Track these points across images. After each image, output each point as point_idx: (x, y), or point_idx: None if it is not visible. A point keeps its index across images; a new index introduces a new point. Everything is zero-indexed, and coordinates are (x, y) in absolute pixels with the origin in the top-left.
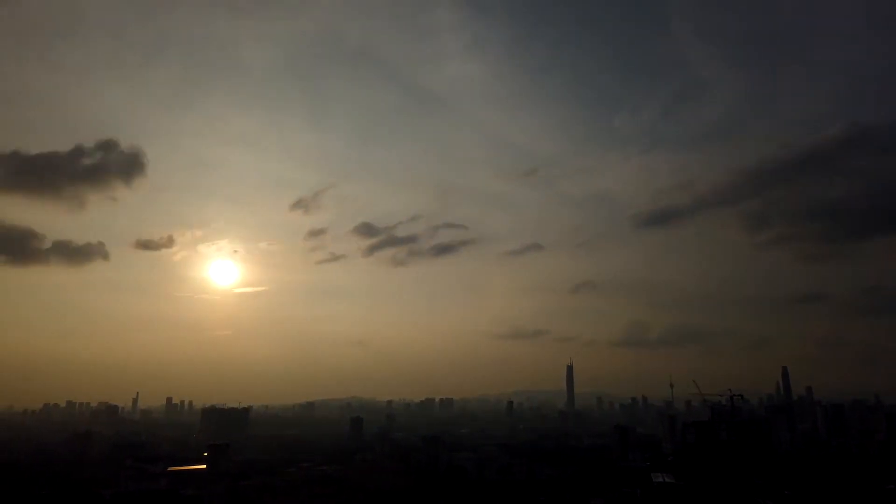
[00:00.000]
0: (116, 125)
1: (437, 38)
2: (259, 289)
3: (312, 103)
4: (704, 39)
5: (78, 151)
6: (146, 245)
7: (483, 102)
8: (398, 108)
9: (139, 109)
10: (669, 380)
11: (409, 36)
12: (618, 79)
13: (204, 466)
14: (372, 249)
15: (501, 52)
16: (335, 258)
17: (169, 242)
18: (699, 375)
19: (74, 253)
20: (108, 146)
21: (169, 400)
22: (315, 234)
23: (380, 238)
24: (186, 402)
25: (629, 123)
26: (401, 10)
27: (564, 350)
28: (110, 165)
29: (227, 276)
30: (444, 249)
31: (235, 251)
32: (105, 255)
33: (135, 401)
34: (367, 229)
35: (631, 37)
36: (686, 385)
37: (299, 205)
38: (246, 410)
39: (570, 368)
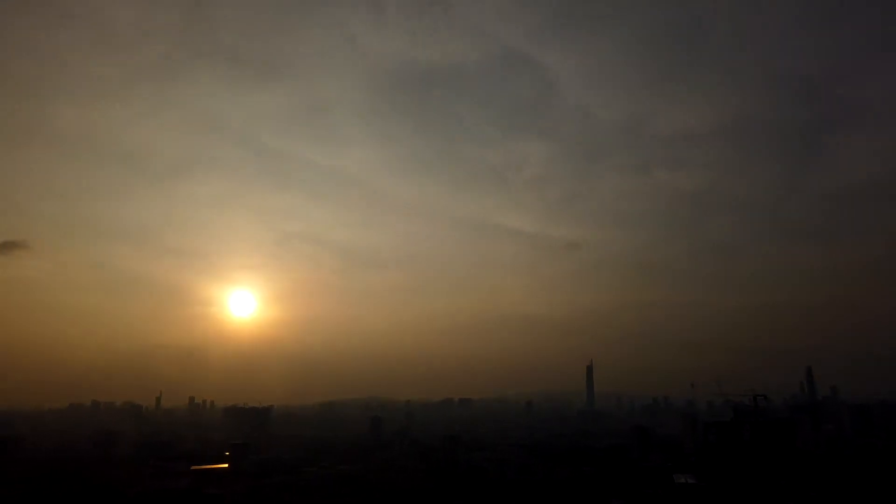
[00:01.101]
0: None
1: None
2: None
3: None
4: None
5: None
6: None
7: None
8: None
9: None
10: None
11: None
12: None
13: (226, 465)
14: None
15: None
16: None
17: None
18: (721, 374)
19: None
20: None
21: (191, 399)
22: None
23: None
24: (208, 402)
25: None
26: None
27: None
28: None
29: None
30: None
31: None
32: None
33: (158, 400)
34: None
35: None
36: (708, 385)
37: None
38: (267, 410)
39: (589, 368)
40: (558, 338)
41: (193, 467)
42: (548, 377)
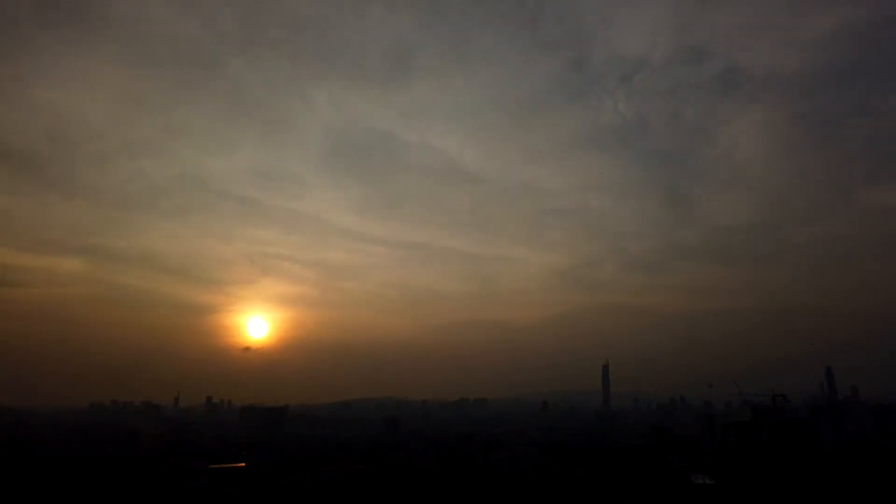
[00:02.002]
0: None
1: None
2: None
3: None
4: None
5: None
6: None
7: None
8: None
9: None
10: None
11: None
12: None
13: (243, 464)
14: None
15: None
16: None
17: None
18: (739, 375)
19: None
20: None
21: (209, 399)
22: None
23: None
24: (226, 401)
25: None
26: None
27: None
28: None
29: None
30: None
31: None
32: None
33: (176, 399)
34: None
35: None
36: (725, 385)
37: None
38: (283, 409)
39: (605, 368)
40: (573, 338)
41: (211, 466)
42: (563, 377)
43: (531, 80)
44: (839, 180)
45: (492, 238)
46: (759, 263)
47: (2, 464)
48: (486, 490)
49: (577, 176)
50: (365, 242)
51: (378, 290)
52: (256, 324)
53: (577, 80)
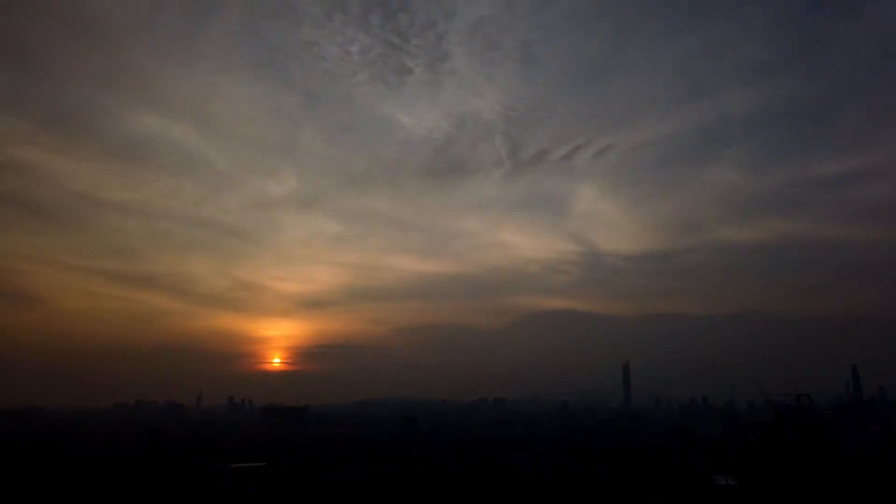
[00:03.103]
0: None
1: None
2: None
3: None
4: None
5: None
6: None
7: None
8: None
9: None
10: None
11: None
12: None
13: (264, 464)
14: None
15: None
16: None
17: None
18: (762, 374)
19: None
20: None
21: (230, 399)
22: None
23: None
24: (247, 401)
25: None
26: None
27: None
28: None
29: None
30: None
31: None
32: None
33: (198, 399)
34: None
35: None
36: (748, 385)
37: None
38: (303, 409)
39: (625, 367)
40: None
41: (233, 465)
42: (583, 377)
43: None
44: None
45: None
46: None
47: (33, 461)
48: (505, 490)
49: None
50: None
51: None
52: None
53: None
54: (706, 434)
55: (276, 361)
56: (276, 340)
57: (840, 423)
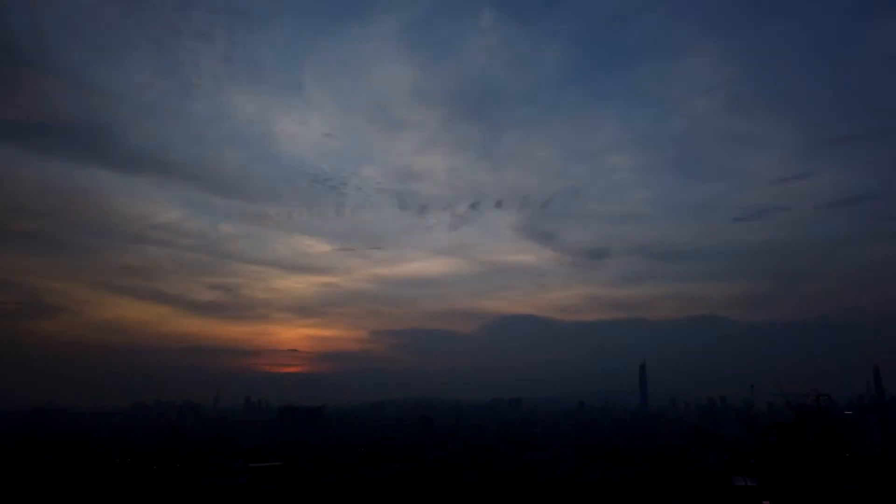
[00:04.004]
0: None
1: None
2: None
3: None
4: None
5: None
6: None
7: None
8: None
9: None
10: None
11: None
12: None
13: (281, 463)
14: None
15: None
16: None
17: None
18: (781, 375)
19: None
20: None
21: (247, 399)
22: None
23: None
24: (264, 401)
25: None
26: None
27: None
28: None
29: None
30: None
31: None
32: None
33: (216, 400)
34: None
35: None
36: (767, 385)
37: None
38: (319, 409)
39: (642, 368)
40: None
41: (251, 465)
42: (599, 377)
43: None
44: None
45: None
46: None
47: (55, 459)
48: (521, 491)
49: None
50: None
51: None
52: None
53: None
54: (724, 434)
55: (290, 364)
56: (292, 343)
57: (861, 423)
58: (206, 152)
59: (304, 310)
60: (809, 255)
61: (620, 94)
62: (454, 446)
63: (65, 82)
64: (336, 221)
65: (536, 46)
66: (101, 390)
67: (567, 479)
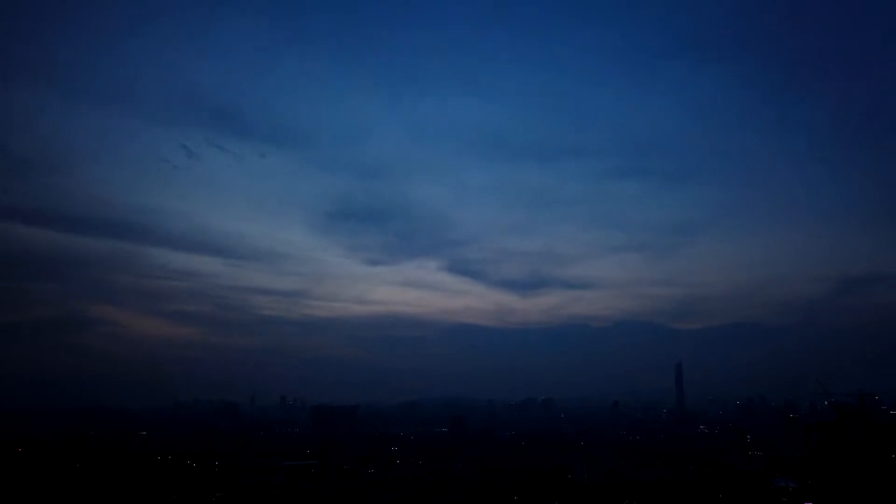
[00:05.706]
0: None
1: None
2: None
3: None
4: None
5: None
6: None
7: None
8: None
9: None
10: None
11: None
12: None
13: (316, 461)
14: None
15: None
16: None
17: None
18: (824, 374)
19: None
20: None
21: (283, 398)
22: None
23: None
24: (298, 401)
25: None
26: None
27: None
28: None
29: None
30: None
31: None
32: None
33: (252, 399)
34: None
35: None
36: (809, 384)
37: None
38: (353, 408)
39: (678, 367)
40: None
41: (286, 463)
42: (634, 376)
43: None
44: None
45: None
46: None
47: (100, 457)
48: (556, 491)
49: None
50: None
51: None
52: None
53: None
54: (764, 435)
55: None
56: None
57: None
58: None
59: None
60: None
61: None
62: (487, 446)
63: None
64: None
65: None
66: (145, 391)
67: (603, 480)
